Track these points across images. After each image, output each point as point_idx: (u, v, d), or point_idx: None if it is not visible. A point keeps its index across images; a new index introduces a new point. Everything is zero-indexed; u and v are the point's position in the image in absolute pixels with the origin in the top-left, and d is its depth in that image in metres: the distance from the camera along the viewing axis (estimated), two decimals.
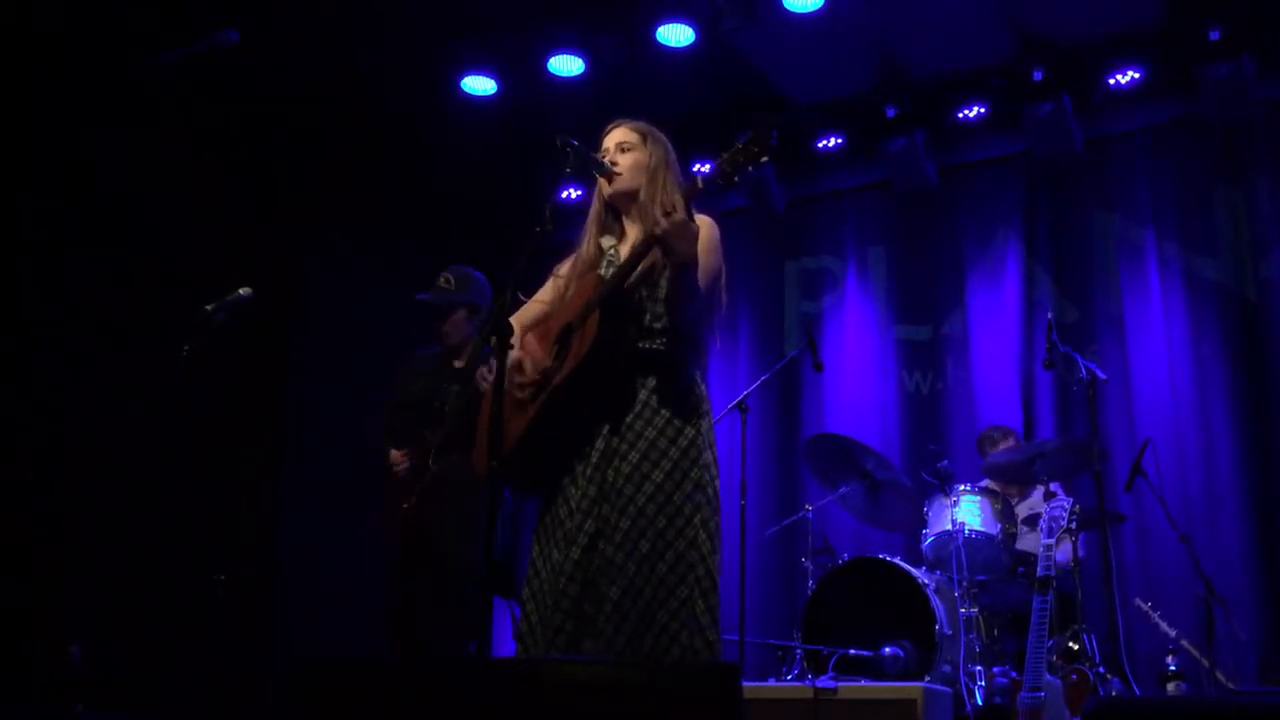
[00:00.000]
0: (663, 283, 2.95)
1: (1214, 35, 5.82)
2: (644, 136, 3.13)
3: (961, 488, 5.24)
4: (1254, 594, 5.59)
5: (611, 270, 3.03)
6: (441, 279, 4.24)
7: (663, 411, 2.89)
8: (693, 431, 2.90)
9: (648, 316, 2.95)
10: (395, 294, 4.19)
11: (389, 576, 4.11)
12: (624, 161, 3.09)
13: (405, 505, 3.99)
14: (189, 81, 5.26)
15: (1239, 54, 5.79)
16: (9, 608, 5.06)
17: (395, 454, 4.08)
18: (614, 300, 2.90)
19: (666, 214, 2.75)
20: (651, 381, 2.92)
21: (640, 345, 2.94)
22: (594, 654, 2.73)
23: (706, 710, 2.03)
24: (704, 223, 2.95)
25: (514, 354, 2.94)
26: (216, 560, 5.21)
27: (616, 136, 3.14)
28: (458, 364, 4.18)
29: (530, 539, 3.00)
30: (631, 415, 2.89)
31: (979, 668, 4.75)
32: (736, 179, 2.81)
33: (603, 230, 3.15)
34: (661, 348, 2.95)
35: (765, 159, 2.75)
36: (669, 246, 2.77)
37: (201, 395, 5.23)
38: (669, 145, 3.16)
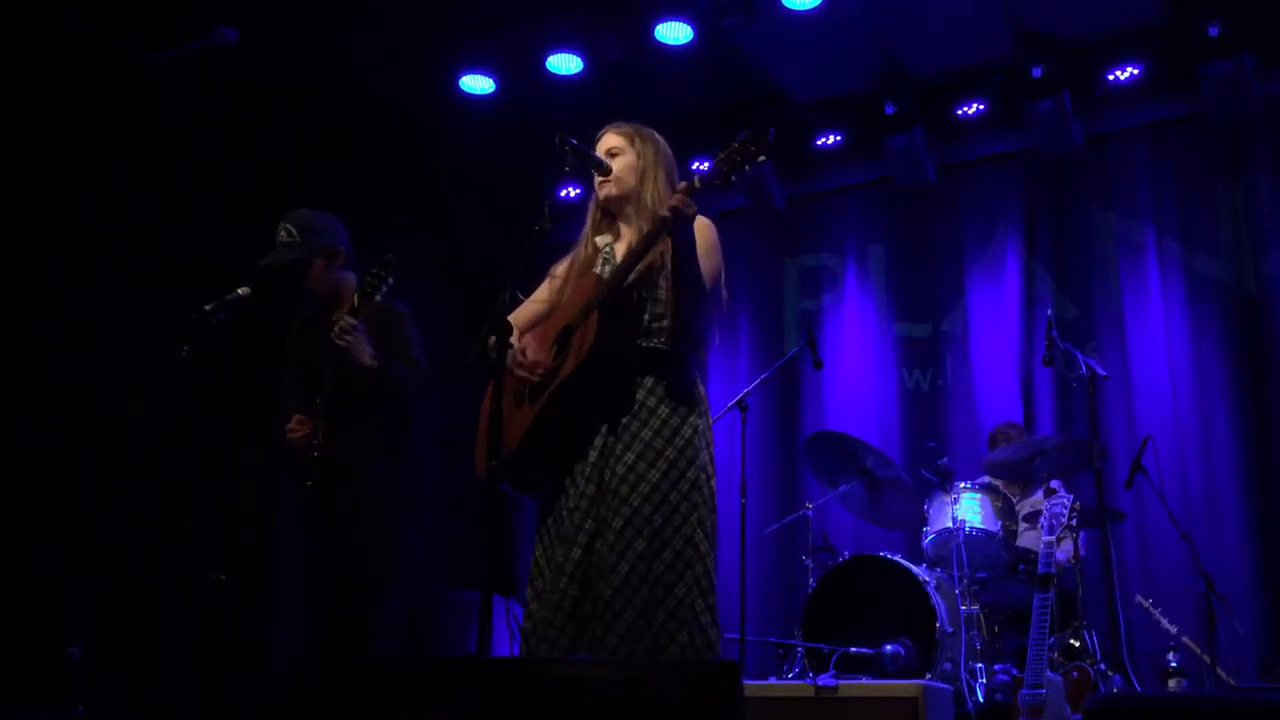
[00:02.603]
0: (662, 281, 2.95)
1: (1214, 32, 5.82)
2: (631, 138, 3.13)
3: (962, 485, 5.24)
4: (1254, 590, 5.60)
5: (608, 269, 3.03)
6: (281, 232, 3.80)
7: (660, 411, 2.89)
8: (689, 431, 2.90)
9: (647, 316, 2.95)
10: (393, 292, 4.14)
11: (306, 567, 3.81)
12: (615, 167, 3.09)
13: (308, 484, 3.70)
14: (186, 79, 5.26)
15: (1239, 51, 5.79)
16: (8, 608, 5.06)
17: (292, 422, 3.76)
18: (614, 300, 2.90)
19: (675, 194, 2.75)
20: (650, 381, 2.92)
21: (640, 344, 2.94)
22: (590, 654, 2.73)
23: (706, 708, 2.03)
24: (703, 224, 2.95)
25: (513, 346, 2.94)
26: (216, 560, 5.21)
27: (605, 144, 3.14)
28: (335, 318, 3.78)
29: (531, 538, 3.00)
30: (629, 415, 2.88)
31: (980, 665, 4.75)
32: (734, 178, 2.80)
33: (599, 229, 3.15)
34: (661, 347, 2.95)
35: (763, 158, 2.74)
36: (675, 225, 2.76)
37: (200, 395, 5.23)
38: (660, 141, 3.15)
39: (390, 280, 3.54)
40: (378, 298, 3.55)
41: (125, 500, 5.41)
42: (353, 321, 3.54)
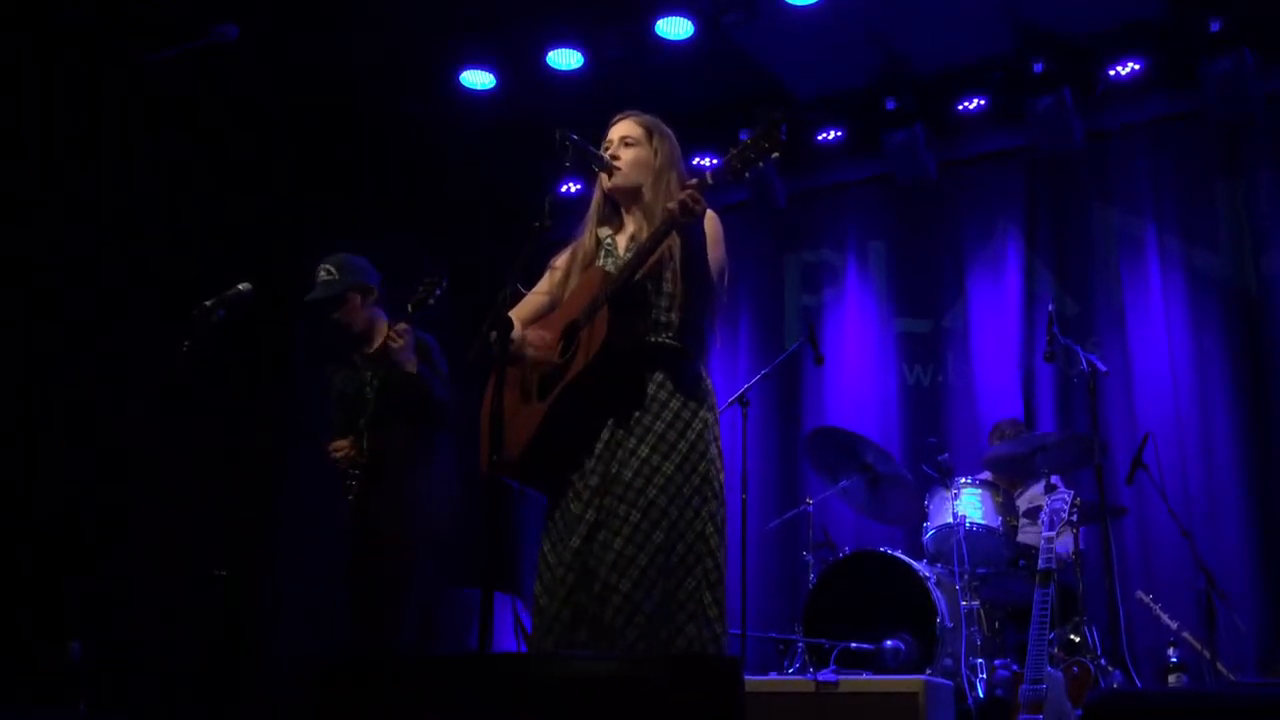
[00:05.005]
0: (668, 275, 2.95)
1: (1215, 28, 5.82)
2: (649, 132, 3.11)
3: (962, 480, 5.24)
4: (1255, 586, 5.60)
5: (610, 262, 3.03)
6: (322, 272, 4.12)
7: (671, 404, 2.89)
8: (700, 425, 2.90)
9: (655, 310, 2.95)
10: (395, 289, 4.16)
11: (347, 574, 4.03)
12: (626, 156, 3.07)
13: (350, 497, 3.94)
14: (188, 76, 5.26)
15: (1240, 47, 5.78)
16: (8, 605, 5.06)
17: (336, 443, 4.03)
18: (622, 296, 2.90)
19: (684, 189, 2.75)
20: (659, 375, 2.92)
21: (648, 339, 2.94)
22: (598, 645, 2.73)
23: (708, 703, 2.03)
24: (708, 217, 2.95)
25: (515, 334, 2.94)
26: (216, 556, 5.21)
27: (621, 129, 3.12)
28: (368, 350, 4.15)
29: (532, 534, 3.00)
30: (640, 409, 2.88)
31: (980, 660, 4.76)
32: (747, 174, 2.79)
33: (601, 222, 3.14)
34: (669, 341, 2.95)
35: (776, 154, 2.73)
36: (686, 221, 2.76)
37: (201, 391, 5.24)
38: (675, 141, 3.13)
39: (444, 286, 3.78)
40: (431, 302, 3.78)
41: (125, 496, 5.41)
42: (406, 327, 3.80)
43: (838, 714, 4.09)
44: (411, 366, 3.84)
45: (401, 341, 3.79)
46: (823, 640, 4.78)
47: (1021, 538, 5.23)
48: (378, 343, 4.10)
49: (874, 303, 7.00)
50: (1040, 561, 4.23)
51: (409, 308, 3.81)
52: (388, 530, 3.88)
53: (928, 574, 4.86)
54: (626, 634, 2.71)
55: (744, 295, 7.23)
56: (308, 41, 6.04)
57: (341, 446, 4.00)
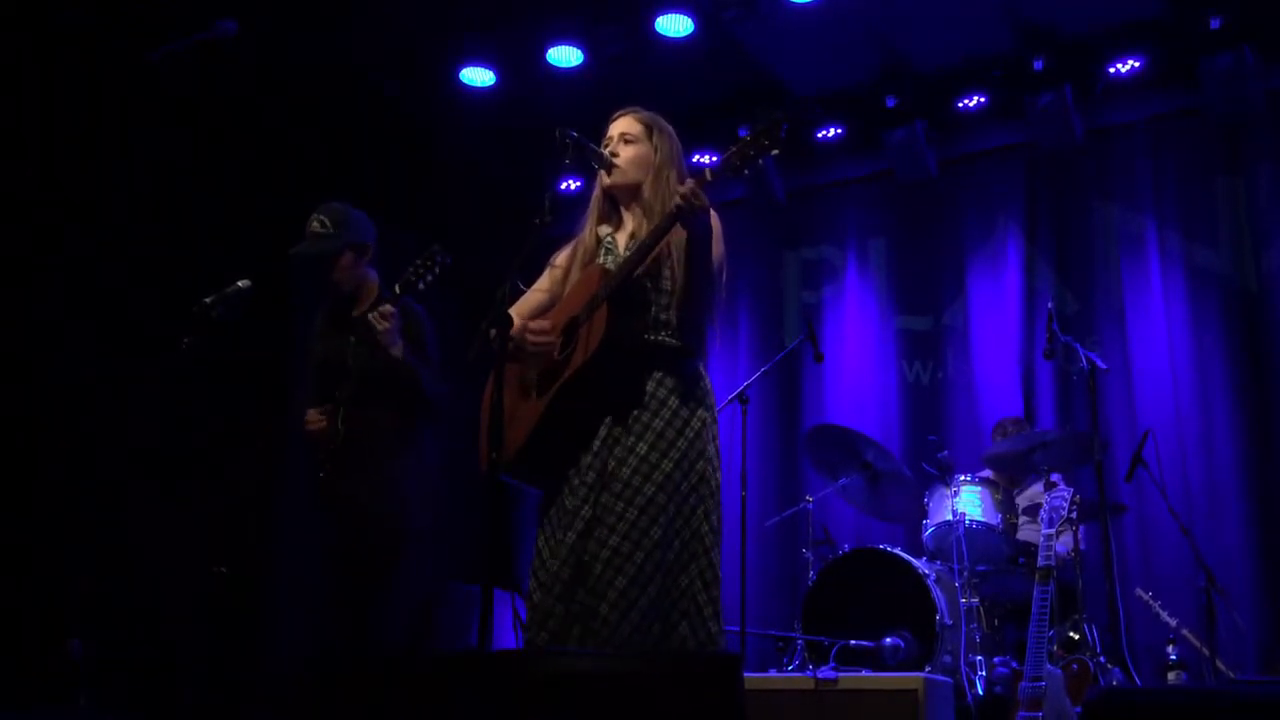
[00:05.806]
0: (666, 273, 2.95)
1: (1215, 25, 5.82)
2: (649, 129, 3.11)
3: (962, 478, 5.24)
4: (1255, 583, 5.60)
5: (610, 259, 3.03)
6: (315, 223, 3.80)
7: (670, 402, 2.90)
8: (698, 424, 2.91)
9: (654, 308, 2.95)
10: (394, 286, 4.13)
11: (323, 560, 3.81)
12: (625, 153, 3.07)
13: (321, 475, 3.72)
14: (187, 75, 5.26)
15: (1240, 45, 5.78)
16: (8, 603, 5.06)
17: (311, 413, 3.77)
18: (621, 293, 2.90)
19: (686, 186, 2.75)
20: (658, 373, 2.93)
21: (647, 337, 2.94)
22: (591, 641, 2.74)
23: (708, 701, 2.03)
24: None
25: (515, 326, 2.93)
26: (217, 552, 5.22)
27: (621, 126, 3.12)
28: (355, 312, 3.84)
29: (532, 531, 3.01)
30: (639, 407, 2.88)
31: (980, 658, 4.76)
32: (746, 171, 2.80)
33: (601, 219, 3.15)
34: (668, 339, 2.95)
35: (775, 151, 2.74)
36: (689, 218, 2.76)
37: (200, 388, 5.24)
38: (675, 138, 3.14)
39: (436, 272, 3.52)
40: (421, 286, 3.54)
41: (126, 493, 5.41)
42: (392, 309, 3.56)
43: (837, 711, 4.09)
44: (397, 351, 3.59)
45: (386, 324, 3.54)
46: (822, 638, 4.78)
47: (1021, 535, 5.23)
48: (365, 305, 3.81)
49: (874, 300, 7.00)
50: (1040, 559, 4.23)
51: (396, 288, 3.56)
52: (373, 525, 3.69)
53: (927, 571, 4.86)
54: (621, 629, 2.72)
55: (743, 292, 7.22)
56: (308, 40, 6.04)
57: (316, 418, 3.76)
